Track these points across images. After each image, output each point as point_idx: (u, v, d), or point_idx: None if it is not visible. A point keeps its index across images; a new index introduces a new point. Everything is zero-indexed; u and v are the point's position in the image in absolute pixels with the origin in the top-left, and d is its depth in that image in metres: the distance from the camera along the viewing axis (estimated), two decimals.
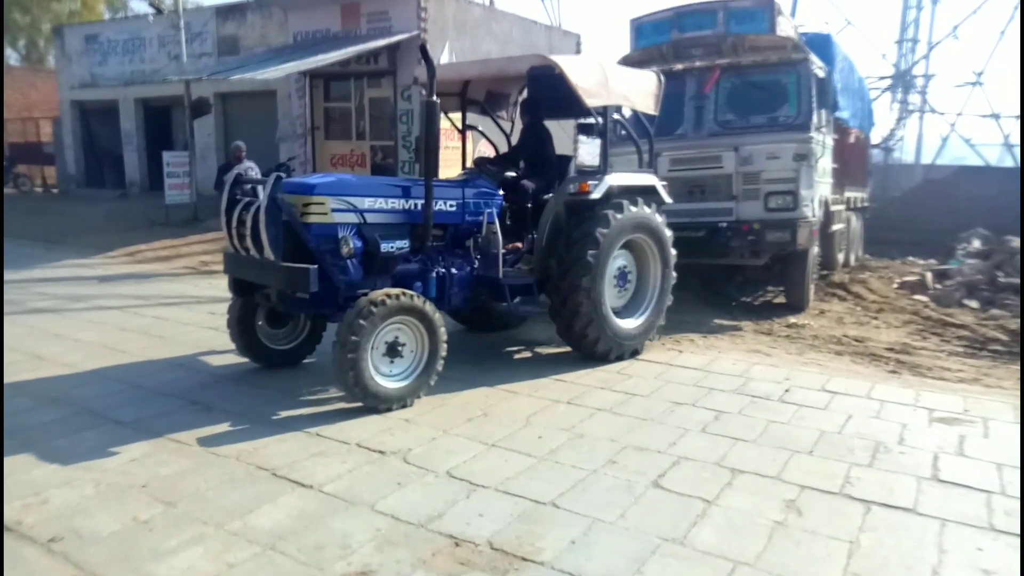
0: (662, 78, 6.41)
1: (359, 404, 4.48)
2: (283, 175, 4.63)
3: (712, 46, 7.94)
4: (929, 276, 10.28)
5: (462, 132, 6.71)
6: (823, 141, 8.16)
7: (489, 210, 5.43)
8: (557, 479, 3.58)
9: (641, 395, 4.95)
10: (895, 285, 10.36)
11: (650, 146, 6.46)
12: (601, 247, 5.47)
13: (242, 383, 5.14)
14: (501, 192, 5.69)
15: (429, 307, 4.64)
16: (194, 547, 2.94)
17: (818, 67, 7.92)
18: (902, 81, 26.52)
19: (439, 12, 14.50)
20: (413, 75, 6.22)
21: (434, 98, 4.76)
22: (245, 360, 5.42)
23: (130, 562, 2.84)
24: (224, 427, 4.25)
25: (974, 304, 8.82)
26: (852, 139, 11.15)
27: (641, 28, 8.55)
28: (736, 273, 9.17)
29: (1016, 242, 10.56)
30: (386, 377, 4.55)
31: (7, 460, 3.74)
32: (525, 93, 6.64)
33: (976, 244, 11.70)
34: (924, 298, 9.26)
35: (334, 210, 4.61)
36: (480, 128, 6.92)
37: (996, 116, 25.84)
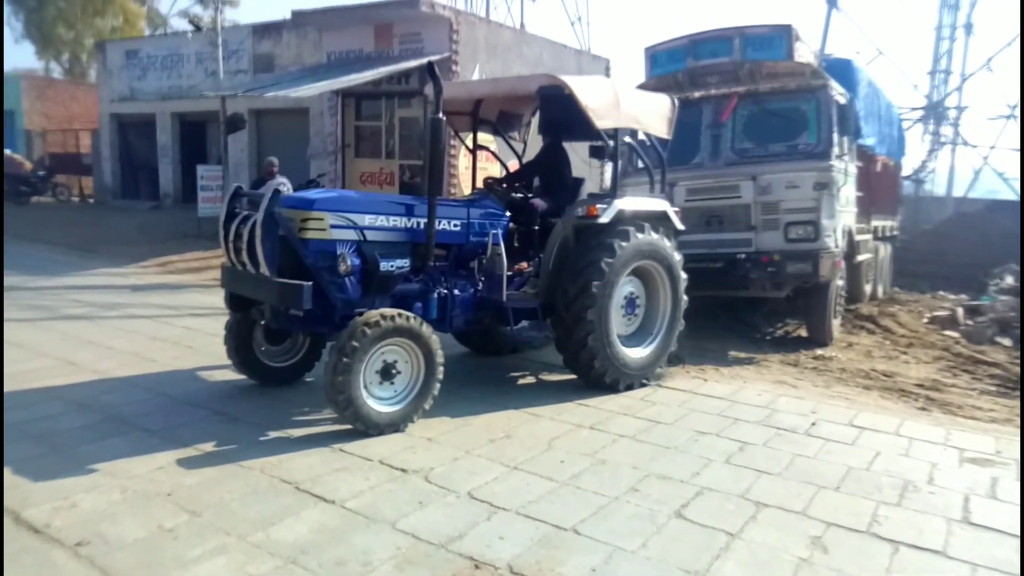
0: (676, 101, 6.34)
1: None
2: (282, 190, 4.63)
3: (729, 73, 7.85)
4: (960, 311, 10.12)
5: (472, 152, 6.69)
6: (845, 169, 8.01)
7: (495, 231, 5.35)
8: (579, 505, 3.56)
9: (665, 423, 4.91)
10: (925, 320, 10.20)
11: (662, 172, 6.36)
12: (606, 277, 5.33)
13: (268, 396, 5.19)
14: (508, 213, 5.63)
15: (425, 329, 4.51)
16: (217, 557, 2.97)
17: (839, 93, 7.80)
18: (934, 112, 26.29)
19: (471, 35, 14.71)
20: (423, 92, 6.18)
21: (440, 115, 4.74)
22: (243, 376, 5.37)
23: (154, 569, 2.87)
24: (249, 439, 4.29)
25: (1007, 342, 8.65)
26: (879, 166, 11.01)
27: (656, 56, 8.49)
28: (759, 304, 9.07)
29: None
30: (379, 401, 4.43)
31: (38, 464, 3.82)
32: (539, 114, 6.64)
33: (1009, 280, 11.51)
34: (955, 334, 9.10)
35: (333, 226, 4.56)
36: (492, 148, 6.90)
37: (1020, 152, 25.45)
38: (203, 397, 5.09)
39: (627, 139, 5.90)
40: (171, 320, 7.76)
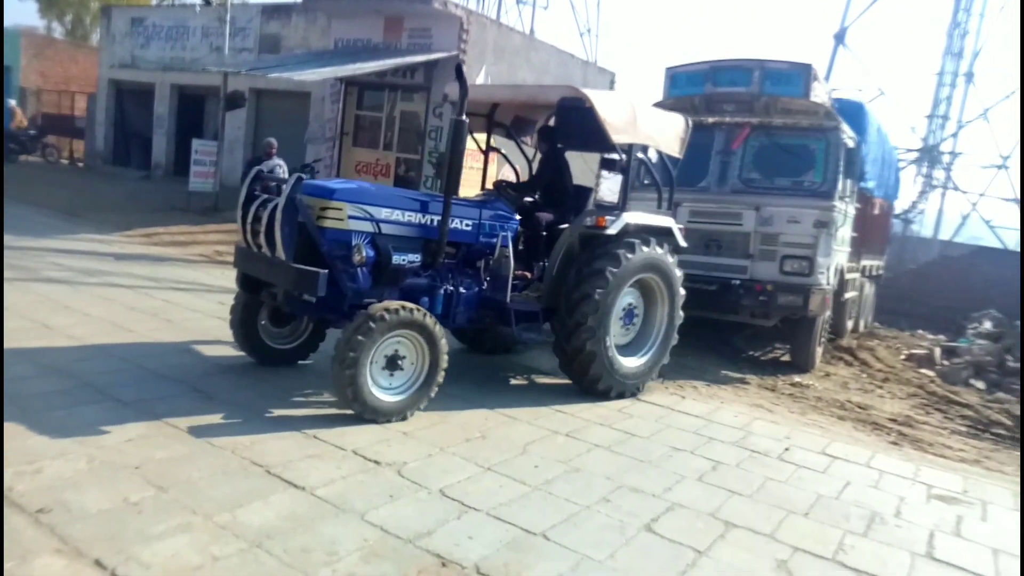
0: (690, 122, 6.43)
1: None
2: (306, 176, 4.67)
3: (744, 103, 7.96)
4: (938, 351, 10.23)
5: (485, 153, 6.75)
6: (845, 211, 8.15)
7: (504, 233, 5.43)
8: (550, 511, 3.55)
9: (641, 436, 4.92)
10: (903, 356, 10.30)
11: (671, 190, 6.45)
12: (610, 286, 5.43)
13: (246, 376, 5.15)
14: (518, 217, 5.70)
15: (432, 322, 4.60)
16: (181, 535, 2.93)
17: (848, 137, 7.93)
18: (929, 156, 26.59)
19: (480, 35, 14.70)
20: (444, 92, 6.26)
21: (463, 117, 4.80)
22: (244, 353, 5.41)
23: (115, 542, 2.83)
24: (223, 418, 4.25)
25: (980, 385, 8.76)
26: (875, 208, 11.14)
27: (676, 77, 8.59)
28: (745, 327, 9.14)
29: None
30: (384, 390, 4.51)
31: (5, 426, 3.75)
32: (549, 121, 6.68)
33: (987, 325, 11.66)
34: (931, 373, 9.20)
35: (351, 217, 4.63)
36: (504, 151, 6.96)
37: (1018, 200, 25.82)
38: (180, 372, 5.03)
39: (639, 155, 5.96)
40: (152, 292, 7.67)
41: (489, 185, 6.46)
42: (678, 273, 6.09)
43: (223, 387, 4.83)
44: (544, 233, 5.91)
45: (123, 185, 17.75)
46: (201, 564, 2.75)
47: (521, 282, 5.73)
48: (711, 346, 8.55)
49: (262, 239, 4.66)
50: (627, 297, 5.82)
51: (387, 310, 4.36)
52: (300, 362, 5.56)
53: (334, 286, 4.58)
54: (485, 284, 5.46)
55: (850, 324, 10.63)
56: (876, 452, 5.28)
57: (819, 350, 8.42)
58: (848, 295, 9.66)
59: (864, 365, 9.16)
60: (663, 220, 6.13)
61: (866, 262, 10.94)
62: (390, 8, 14.75)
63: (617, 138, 5.47)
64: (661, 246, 5.91)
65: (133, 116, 21.91)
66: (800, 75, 7.71)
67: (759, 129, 7.88)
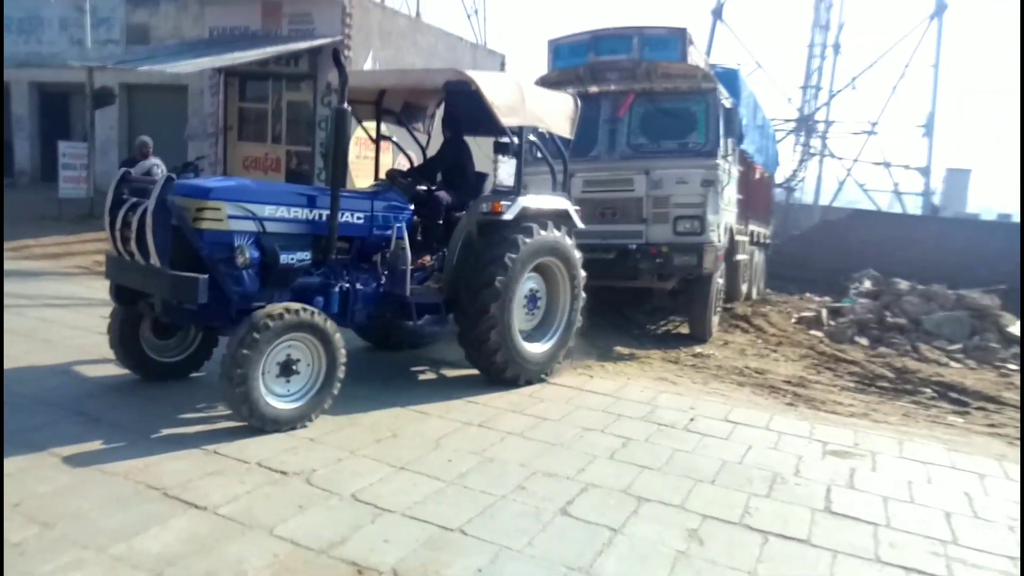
0: (579, 102, 6.50)
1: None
2: (188, 175, 4.41)
3: (627, 71, 8.13)
4: (825, 313, 10.87)
5: (376, 142, 6.61)
6: (729, 170, 8.49)
7: (399, 224, 5.28)
8: (466, 504, 3.52)
9: (552, 419, 4.96)
10: (793, 320, 10.88)
11: (565, 169, 6.50)
12: (510, 272, 5.41)
13: (134, 395, 4.84)
14: (412, 206, 5.58)
15: (329, 325, 4.42)
16: (72, 573, 2.73)
17: (725, 98, 8.26)
18: (805, 125, 28.14)
19: (364, 19, 14.33)
20: (327, 80, 6.09)
21: (345, 105, 4.64)
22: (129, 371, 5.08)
23: None
24: (112, 442, 3.97)
25: (864, 341, 9.37)
26: (757, 175, 11.71)
27: (559, 49, 8.70)
28: (644, 301, 9.40)
29: (903, 284, 11.30)
30: (281, 398, 4.31)
31: None
32: (443, 107, 6.60)
33: (867, 284, 12.46)
34: (819, 333, 9.77)
35: (231, 216, 4.36)
36: (395, 140, 6.83)
37: (887, 164, 27.78)
38: (61, 396, 4.67)
39: (531, 136, 5.96)
40: (24, 311, 7.09)
41: (382, 175, 6.31)
42: (577, 255, 6.13)
43: (110, 408, 4.52)
44: (441, 221, 5.83)
45: None
46: None
47: (422, 272, 5.63)
48: (613, 324, 8.74)
49: (133, 246, 4.34)
50: (529, 283, 5.82)
51: (270, 316, 4.14)
52: (192, 374, 5.26)
53: (217, 291, 4.33)
54: (383, 278, 5.31)
55: (744, 289, 11.13)
56: (774, 414, 5.55)
57: (715, 319, 8.77)
58: (739, 257, 10.08)
59: (759, 331, 9.61)
60: (559, 202, 6.15)
61: (754, 228, 11.47)
62: None
63: (506, 121, 5.44)
64: (559, 228, 5.94)
65: None
66: (676, 40, 7.97)
67: (642, 95, 8.08)
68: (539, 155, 6.72)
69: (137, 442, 3.99)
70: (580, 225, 6.32)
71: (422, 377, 5.98)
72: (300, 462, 3.87)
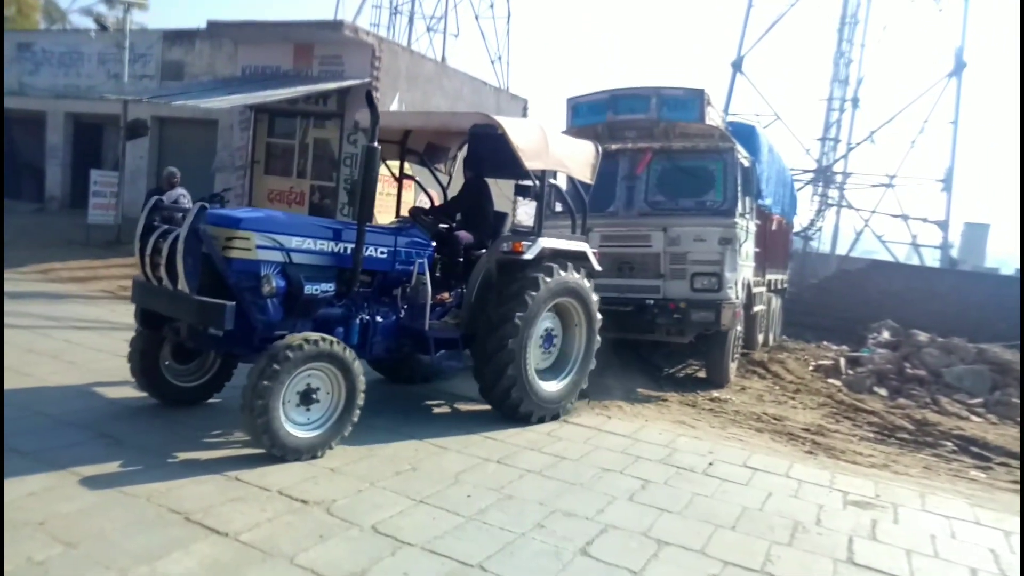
0: (599, 148, 6.60)
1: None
2: (213, 205, 4.52)
3: (645, 129, 8.27)
4: (843, 361, 10.78)
5: (399, 180, 6.73)
6: (747, 227, 8.55)
7: (420, 260, 5.36)
8: (485, 540, 3.51)
9: (570, 459, 4.95)
10: (811, 367, 10.80)
11: (584, 215, 6.58)
12: (530, 309, 5.47)
13: (158, 418, 4.89)
14: (434, 243, 5.66)
15: (348, 354, 4.47)
16: None
17: (743, 157, 8.35)
18: (823, 176, 28.23)
19: (392, 63, 14.67)
20: (356, 119, 6.23)
21: (375, 144, 4.76)
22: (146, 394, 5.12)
23: None
24: (135, 464, 4.01)
25: (883, 392, 9.27)
26: (775, 225, 11.75)
27: (578, 108, 8.86)
28: (663, 344, 9.39)
29: (922, 336, 11.21)
30: (301, 427, 4.35)
31: None
32: (466, 149, 6.72)
33: (886, 335, 12.37)
34: (837, 382, 9.68)
35: (259, 247, 4.47)
36: (418, 179, 6.95)
37: (905, 217, 27.72)
38: (85, 417, 4.72)
39: (552, 180, 6.06)
40: (51, 332, 7.20)
41: (404, 212, 6.42)
42: (595, 297, 6.20)
43: (133, 431, 4.56)
44: (461, 259, 5.90)
45: (14, 219, 16.63)
46: None
47: (440, 308, 5.69)
48: (632, 365, 8.71)
49: (163, 272, 4.45)
50: (546, 321, 5.87)
51: (290, 347, 4.19)
52: (209, 400, 5.30)
53: (242, 319, 4.40)
54: (402, 312, 5.37)
55: (761, 338, 11.10)
56: (793, 462, 5.49)
57: (733, 365, 8.74)
58: (757, 308, 10.10)
59: (776, 377, 9.55)
60: (578, 245, 6.22)
61: (771, 276, 11.48)
62: (299, 35, 14.55)
63: (530, 164, 5.54)
64: (578, 271, 6.01)
65: (23, 146, 20.68)
66: (695, 100, 8.11)
67: (660, 153, 8.18)
68: (559, 209, 6.82)
69: (159, 465, 4.03)
70: (598, 268, 6.39)
71: (439, 411, 5.99)
72: (321, 492, 3.88)
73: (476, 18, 32.16)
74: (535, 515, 3.88)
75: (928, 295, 18.72)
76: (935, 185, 27.28)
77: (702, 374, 8.85)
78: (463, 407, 6.09)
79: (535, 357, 5.73)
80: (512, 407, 5.59)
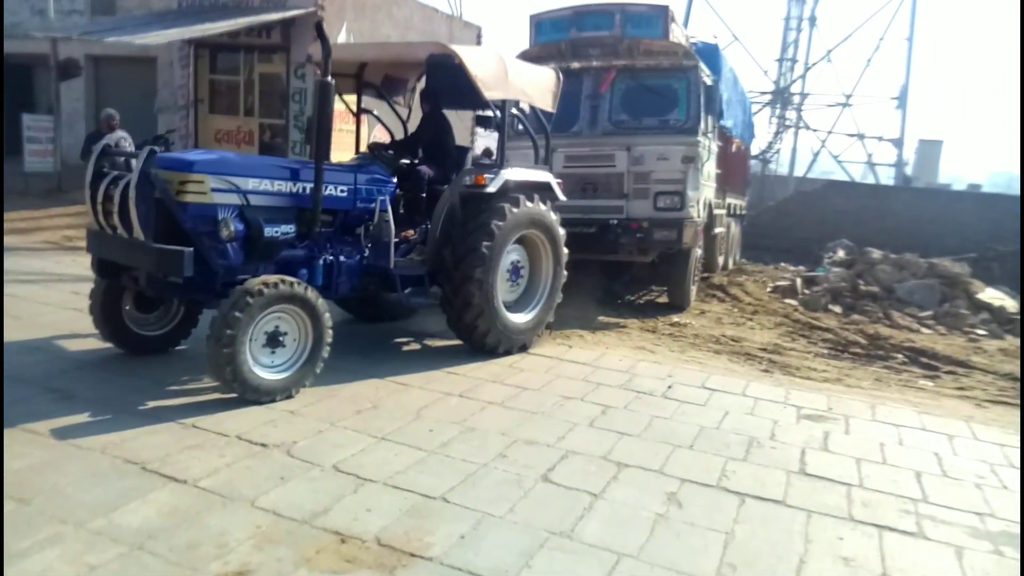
0: (560, 75, 6.47)
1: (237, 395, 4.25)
2: (159, 148, 4.34)
3: (609, 47, 8.10)
4: (799, 282, 10.99)
5: (356, 115, 6.54)
6: (709, 146, 8.53)
7: (382, 197, 5.28)
8: (447, 473, 3.54)
9: (532, 389, 4.99)
10: (769, 289, 11.00)
11: (547, 142, 6.50)
12: (496, 239, 5.45)
13: (108, 370, 4.78)
14: (395, 179, 5.55)
15: (312, 295, 4.42)
16: (50, 548, 2.70)
17: (706, 75, 8.26)
18: (781, 97, 28.21)
19: None
20: (307, 53, 5.98)
21: (329, 78, 4.58)
22: (111, 345, 5.03)
23: None
24: (87, 417, 3.93)
25: (838, 309, 9.50)
26: (734, 148, 11.76)
27: (541, 24, 8.63)
28: (624, 271, 9.45)
29: (876, 254, 11.45)
30: (266, 368, 4.32)
31: None
32: (424, 81, 6.53)
33: (841, 254, 12.62)
34: (794, 302, 9.88)
35: (214, 190, 4.32)
36: (376, 113, 6.75)
37: (861, 136, 28.00)
38: (33, 372, 4.59)
39: (513, 110, 5.92)
40: None
41: (363, 148, 6.25)
42: (561, 231, 6.17)
43: (85, 384, 4.46)
44: (424, 195, 5.80)
45: None
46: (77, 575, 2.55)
47: (405, 244, 5.61)
48: (592, 294, 8.76)
49: (116, 219, 4.31)
50: (512, 254, 5.86)
51: (265, 284, 4.16)
52: (174, 348, 5.23)
53: (202, 265, 4.30)
54: (367, 251, 5.30)
55: (720, 260, 11.24)
56: (750, 381, 5.63)
57: (694, 288, 8.86)
58: (717, 230, 10.19)
59: (735, 300, 9.71)
60: (542, 175, 6.16)
61: (731, 200, 11.55)
62: None
63: (489, 94, 5.41)
64: (544, 202, 5.96)
65: None
66: (658, 17, 7.96)
67: (624, 71, 8.05)
68: (521, 129, 6.69)
69: (113, 417, 3.95)
70: (562, 198, 6.34)
71: (404, 348, 5.98)
72: (280, 434, 3.86)
73: None
74: (497, 445, 3.93)
75: (883, 213, 19.12)
76: (890, 103, 27.52)
77: (662, 299, 8.95)
78: (431, 343, 6.09)
79: (502, 289, 5.73)
80: (479, 337, 5.60)
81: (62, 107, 13.98)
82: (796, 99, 28.64)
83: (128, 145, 9.32)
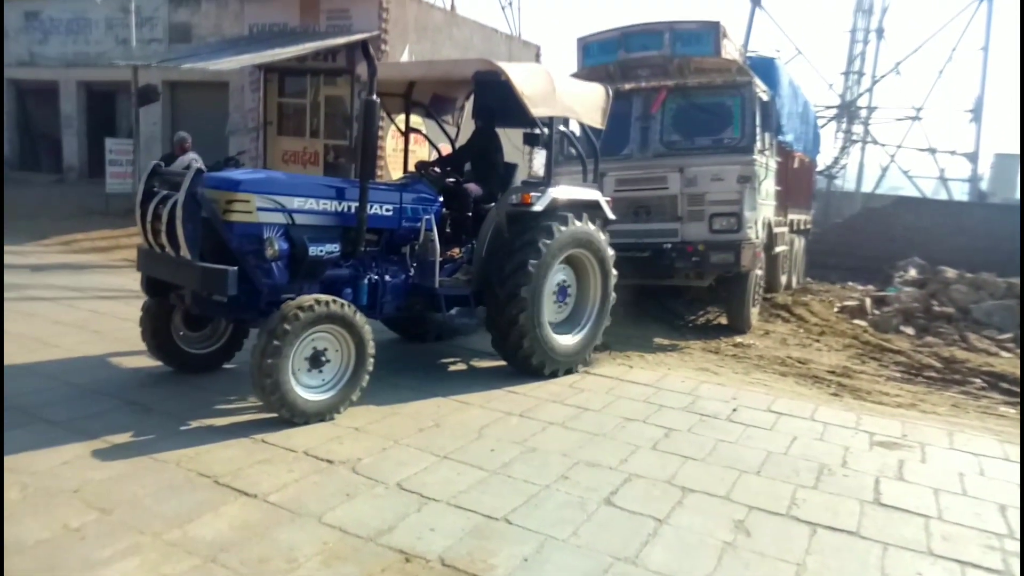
0: (610, 91, 6.40)
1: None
2: (204, 169, 4.46)
3: (658, 67, 8.02)
4: (868, 302, 10.64)
5: (405, 134, 6.58)
6: (766, 164, 8.33)
7: (428, 216, 5.24)
8: (509, 494, 3.54)
9: (593, 409, 4.95)
10: (836, 309, 10.68)
11: (596, 162, 6.42)
12: (543, 257, 5.37)
13: (184, 384, 4.95)
14: (441, 198, 5.55)
15: (351, 311, 4.42)
16: (129, 558, 2.80)
17: (762, 90, 8.09)
18: (847, 111, 27.49)
19: (400, 14, 14.38)
20: (356, 72, 6.10)
21: (374, 97, 4.63)
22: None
23: (58, 573, 2.69)
24: (164, 430, 4.08)
25: (910, 331, 9.16)
26: (796, 163, 11.47)
27: (588, 47, 8.59)
28: (683, 292, 9.30)
29: (950, 273, 11.01)
30: (311, 389, 4.34)
31: None
32: (473, 98, 6.56)
33: (912, 273, 12.18)
34: (863, 323, 9.57)
35: (260, 209, 4.38)
36: (425, 132, 6.82)
37: (932, 151, 27.02)
38: (113, 386, 4.80)
39: (561, 127, 5.90)
40: (76, 303, 7.30)
41: (411, 167, 6.29)
42: (610, 252, 6.05)
43: (160, 398, 4.63)
44: (470, 213, 5.79)
45: (34, 191, 16.81)
46: None
47: (451, 264, 5.60)
48: (652, 315, 8.67)
49: (164, 238, 4.39)
50: (559, 273, 5.76)
51: (300, 308, 4.16)
52: (224, 366, 5.32)
53: (247, 283, 4.37)
54: (412, 270, 5.29)
55: (783, 279, 10.95)
56: (819, 405, 5.46)
57: (755, 309, 8.64)
58: (778, 249, 9.92)
59: (800, 320, 9.45)
60: (590, 194, 6.07)
61: (793, 216, 11.25)
62: None
63: (536, 111, 5.37)
64: (593, 221, 5.87)
65: (38, 117, 20.71)
66: (709, 33, 7.81)
67: (675, 91, 7.94)
68: (572, 152, 6.64)
69: (187, 431, 4.09)
70: (611, 216, 6.24)
71: (454, 368, 6.00)
72: (346, 451, 3.93)
73: None
74: (559, 467, 3.91)
75: (956, 230, 18.36)
76: (964, 116, 26.50)
77: (723, 320, 8.78)
78: (479, 363, 6.09)
79: (549, 309, 5.65)
80: (524, 358, 5.51)
81: (141, 131, 14.66)
82: (863, 113, 27.87)
83: (199, 167, 9.71)
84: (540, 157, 6.01)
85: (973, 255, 14.98)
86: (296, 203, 4.58)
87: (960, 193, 26.76)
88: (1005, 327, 9.19)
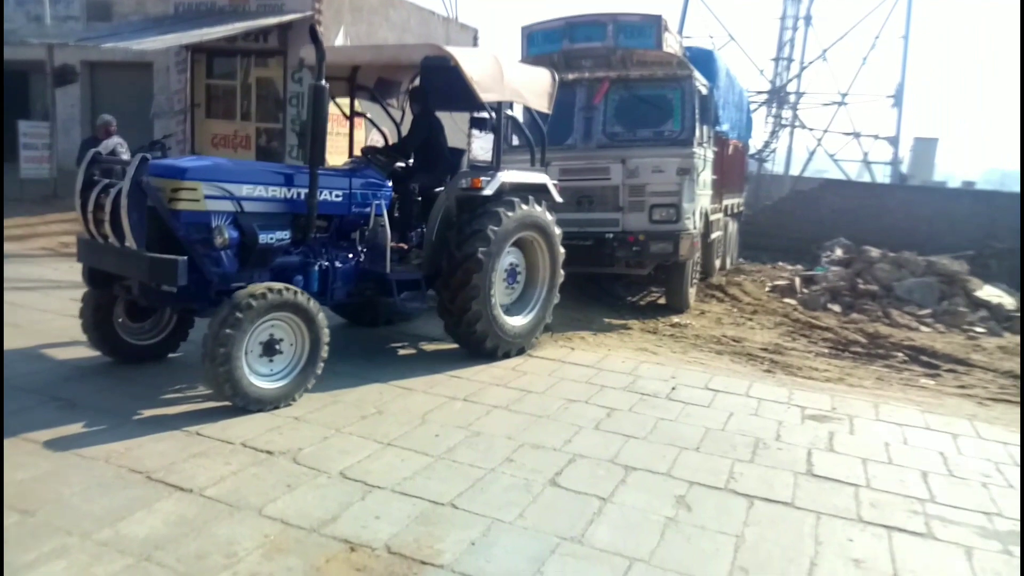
0: (556, 77, 6.44)
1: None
2: (155, 155, 4.30)
3: (602, 58, 8.08)
4: (798, 281, 11.00)
5: (350, 119, 6.50)
6: (704, 155, 8.51)
7: (377, 202, 5.23)
8: (455, 478, 3.52)
9: (536, 392, 4.98)
10: (767, 289, 11.01)
11: (543, 146, 6.46)
12: (492, 244, 5.41)
13: (111, 377, 4.75)
14: (390, 183, 5.51)
15: (305, 299, 4.35)
16: (56, 560, 2.68)
17: (701, 84, 8.25)
18: (777, 97, 28.23)
19: None
20: (300, 56, 5.93)
21: (323, 82, 4.54)
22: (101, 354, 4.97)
23: None
24: (90, 426, 3.90)
25: (837, 308, 9.51)
26: (731, 149, 11.75)
27: (533, 36, 8.59)
28: (623, 275, 9.43)
29: (874, 252, 11.46)
30: (265, 377, 4.28)
31: None
32: (414, 82, 6.50)
33: (839, 252, 12.62)
34: (793, 302, 9.89)
35: (207, 196, 4.28)
36: (369, 116, 6.71)
37: (857, 135, 28.03)
38: (34, 381, 4.56)
39: (509, 112, 5.90)
40: None
41: (357, 152, 6.22)
42: (557, 231, 6.14)
43: (86, 392, 4.43)
44: (419, 198, 5.77)
45: None
46: None
47: (399, 251, 5.58)
48: (592, 296, 8.77)
49: (107, 228, 4.24)
50: (509, 256, 5.83)
51: (253, 296, 4.08)
52: (167, 357, 5.17)
53: (196, 273, 4.26)
54: (362, 256, 5.27)
55: (718, 263, 11.23)
56: (753, 381, 5.62)
57: (692, 291, 8.85)
58: (714, 235, 10.19)
59: (734, 300, 9.71)
60: (538, 177, 6.13)
61: (727, 200, 11.54)
62: None
63: (485, 96, 5.38)
64: (539, 203, 5.93)
65: None
66: (652, 27, 7.93)
67: (617, 82, 8.02)
68: (516, 143, 6.63)
69: (116, 426, 3.93)
70: (559, 199, 6.31)
71: (403, 352, 5.96)
72: (285, 441, 3.84)
73: None
74: (503, 450, 3.91)
75: (879, 211, 19.12)
76: (886, 101, 27.56)
77: (663, 300, 8.94)
78: (428, 347, 6.07)
79: (500, 292, 5.70)
80: (478, 342, 5.57)
81: (58, 113, 13.92)
82: (792, 98, 28.67)
83: (124, 151, 9.30)
84: (480, 141, 5.97)
85: (895, 235, 15.65)
86: (245, 190, 4.47)
87: (882, 176, 27.88)
88: (925, 303, 9.64)
